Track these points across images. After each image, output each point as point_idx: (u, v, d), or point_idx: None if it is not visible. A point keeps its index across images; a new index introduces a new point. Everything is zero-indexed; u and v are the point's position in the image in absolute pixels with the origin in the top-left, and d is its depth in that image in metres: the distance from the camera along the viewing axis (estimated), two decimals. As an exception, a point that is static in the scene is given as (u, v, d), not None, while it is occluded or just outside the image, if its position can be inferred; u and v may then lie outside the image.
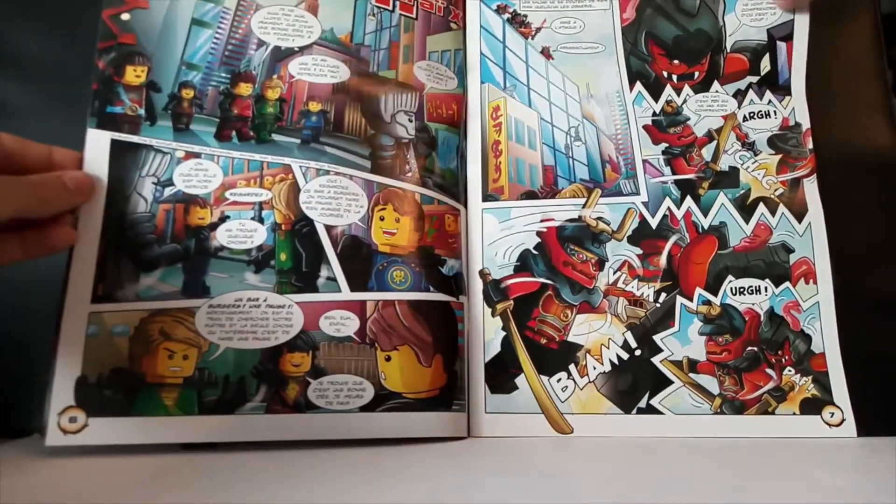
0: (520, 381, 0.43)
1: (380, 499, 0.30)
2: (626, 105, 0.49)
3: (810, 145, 0.47)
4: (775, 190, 0.46)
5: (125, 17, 0.43)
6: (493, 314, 0.44)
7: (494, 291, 0.45)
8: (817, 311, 0.43)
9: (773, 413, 0.42)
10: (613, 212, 0.46)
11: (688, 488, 0.32)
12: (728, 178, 0.46)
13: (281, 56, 0.45)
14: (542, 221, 0.46)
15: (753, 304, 0.44)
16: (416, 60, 0.48)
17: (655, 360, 0.43)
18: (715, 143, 0.47)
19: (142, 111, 0.41)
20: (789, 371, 0.42)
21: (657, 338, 0.43)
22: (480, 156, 0.48)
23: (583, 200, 0.46)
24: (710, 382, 0.43)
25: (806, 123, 0.47)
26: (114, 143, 0.40)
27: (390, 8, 0.49)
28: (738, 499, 0.30)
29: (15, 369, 0.43)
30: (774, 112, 0.47)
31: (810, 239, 0.45)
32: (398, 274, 0.42)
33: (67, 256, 0.38)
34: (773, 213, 0.45)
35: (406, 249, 0.43)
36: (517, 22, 0.51)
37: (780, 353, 0.43)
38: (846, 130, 0.47)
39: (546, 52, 0.50)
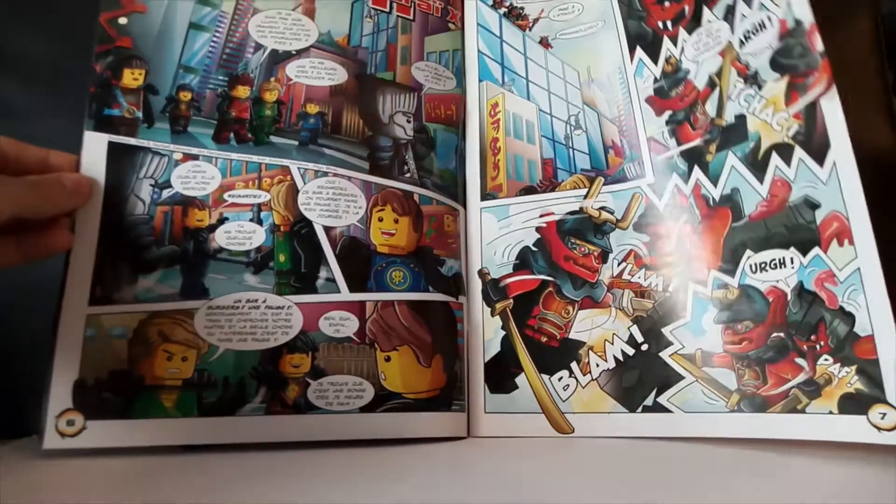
0: (520, 380, 0.42)
1: (380, 499, 0.30)
2: (628, 79, 0.47)
3: (819, 46, 0.39)
4: (789, 128, 0.39)
5: (122, 20, 0.43)
6: (492, 314, 0.44)
7: (493, 290, 0.45)
8: (858, 279, 0.34)
9: (802, 411, 0.35)
10: (617, 199, 0.45)
11: (696, 494, 0.30)
12: (735, 133, 0.41)
13: (278, 59, 0.45)
14: (541, 216, 0.45)
15: (778, 282, 0.37)
16: (414, 61, 0.48)
17: (664, 354, 0.40)
18: (717, 90, 0.43)
19: (139, 114, 0.41)
20: (826, 360, 0.35)
21: (666, 330, 0.41)
22: (479, 154, 0.48)
23: (584, 191, 0.45)
24: (726, 376, 0.38)
25: (808, 18, 0.40)
26: (111, 145, 0.40)
27: (387, 10, 0.49)
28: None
29: (14, 370, 0.43)
30: (769, 18, 0.41)
31: (837, 185, 0.36)
32: (397, 274, 0.42)
33: (65, 259, 0.38)
34: (788, 161, 0.38)
35: (405, 250, 0.43)
36: (514, 15, 0.51)
37: (813, 338, 0.36)
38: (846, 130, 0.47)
39: (545, 42, 0.50)
